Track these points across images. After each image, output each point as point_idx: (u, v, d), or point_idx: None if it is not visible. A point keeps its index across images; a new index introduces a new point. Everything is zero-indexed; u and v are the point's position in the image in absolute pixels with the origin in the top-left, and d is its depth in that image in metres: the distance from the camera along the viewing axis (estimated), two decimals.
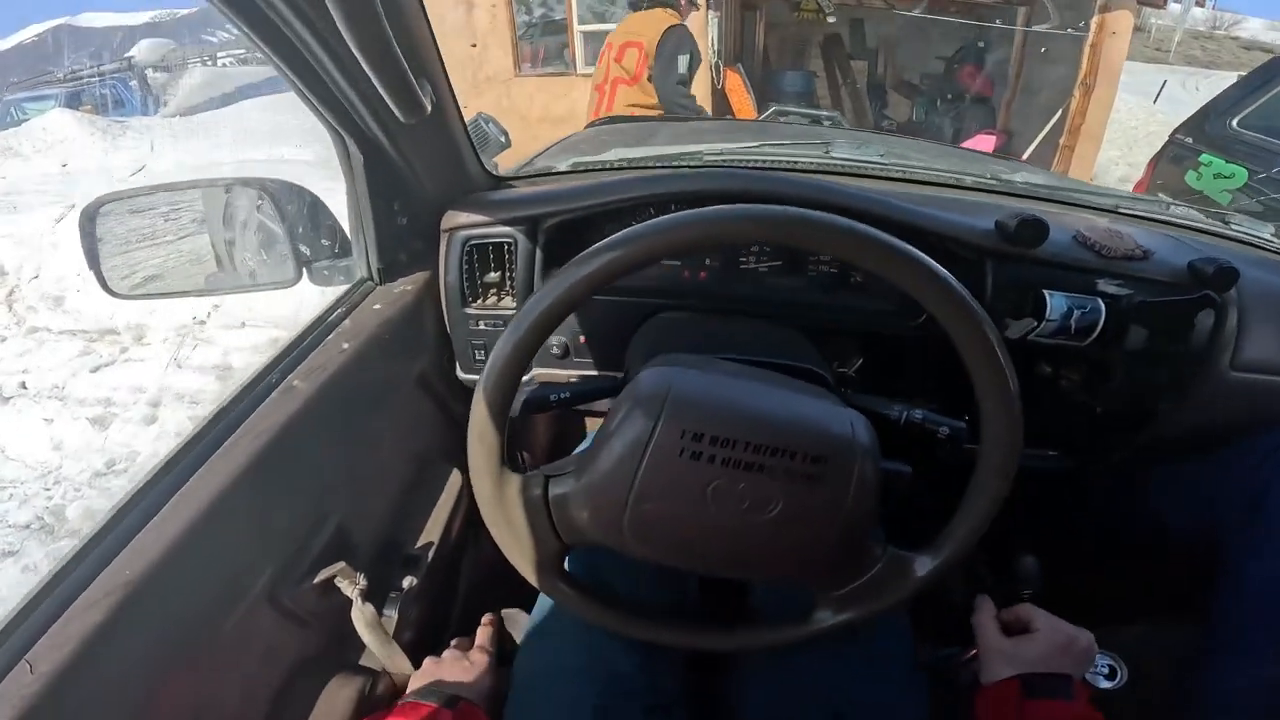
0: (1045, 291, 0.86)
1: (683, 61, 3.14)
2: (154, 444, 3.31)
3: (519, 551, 0.61)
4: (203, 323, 4.00)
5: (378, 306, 0.89)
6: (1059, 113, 4.83)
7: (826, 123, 2.64)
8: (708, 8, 5.14)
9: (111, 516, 0.58)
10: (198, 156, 6.29)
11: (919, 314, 0.92)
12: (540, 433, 1.33)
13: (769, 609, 0.77)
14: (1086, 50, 4.44)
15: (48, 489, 3.19)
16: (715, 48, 5.23)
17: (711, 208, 0.55)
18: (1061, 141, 4.73)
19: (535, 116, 5.80)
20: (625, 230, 0.55)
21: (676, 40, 3.16)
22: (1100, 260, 0.90)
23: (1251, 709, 0.76)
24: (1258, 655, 0.80)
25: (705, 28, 5.17)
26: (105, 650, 0.50)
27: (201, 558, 0.59)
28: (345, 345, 0.81)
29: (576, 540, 0.60)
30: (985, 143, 4.85)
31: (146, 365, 3.81)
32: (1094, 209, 1.16)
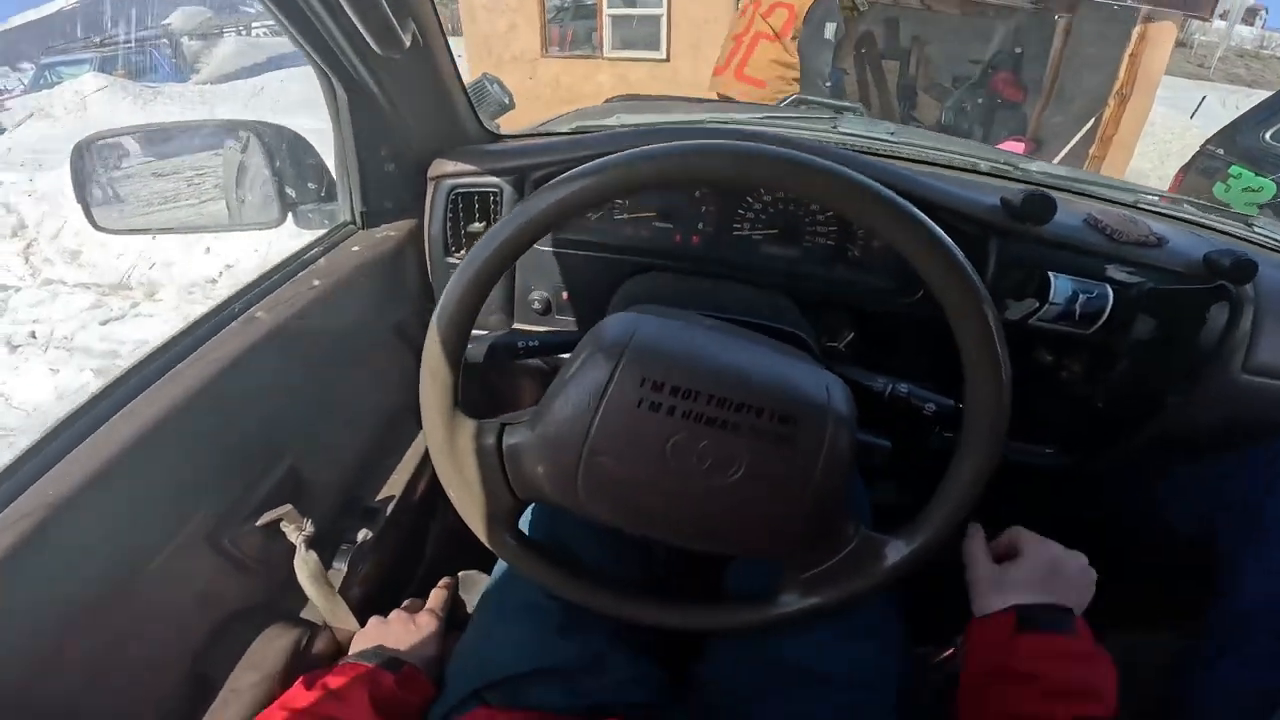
0: (1050, 273, 0.83)
1: (830, 29, 3.35)
2: None
3: (470, 503, 0.57)
4: (214, 281, 4.03)
5: (356, 249, 0.87)
6: (1091, 121, 4.72)
7: (849, 115, 2.59)
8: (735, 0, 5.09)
9: (43, 436, 0.56)
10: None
11: (915, 291, 0.89)
12: (526, 391, 1.30)
13: (734, 589, 0.73)
14: (1125, 60, 4.32)
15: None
16: None
17: (693, 142, 0.50)
18: (1092, 151, 4.63)
19: (558, 98, 5.77)
20: (597, 161, 0.51)
21: (826, 9, 3.36)
22: (1111, 244, 0.86)
23: (1246, 718, 0.73)
24: (1255, 664, 0.76)
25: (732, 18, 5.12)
26: (13, 577, 0.47)
27: (135, 486, 0.57)
28: (316, 282, 0.80)
29: (531, 496, 0.56)
30: (1013, 148, 4.75)
31: (155, 321, 3.85)
32: (1113, 201, 1.11)
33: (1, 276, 4.23)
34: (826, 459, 0.49)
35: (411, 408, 1.04)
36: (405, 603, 0.79)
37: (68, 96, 6.73)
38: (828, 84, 3.47)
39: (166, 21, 12.48)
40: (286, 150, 0.92)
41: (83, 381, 3.43)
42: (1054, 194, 1.10)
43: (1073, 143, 4.83)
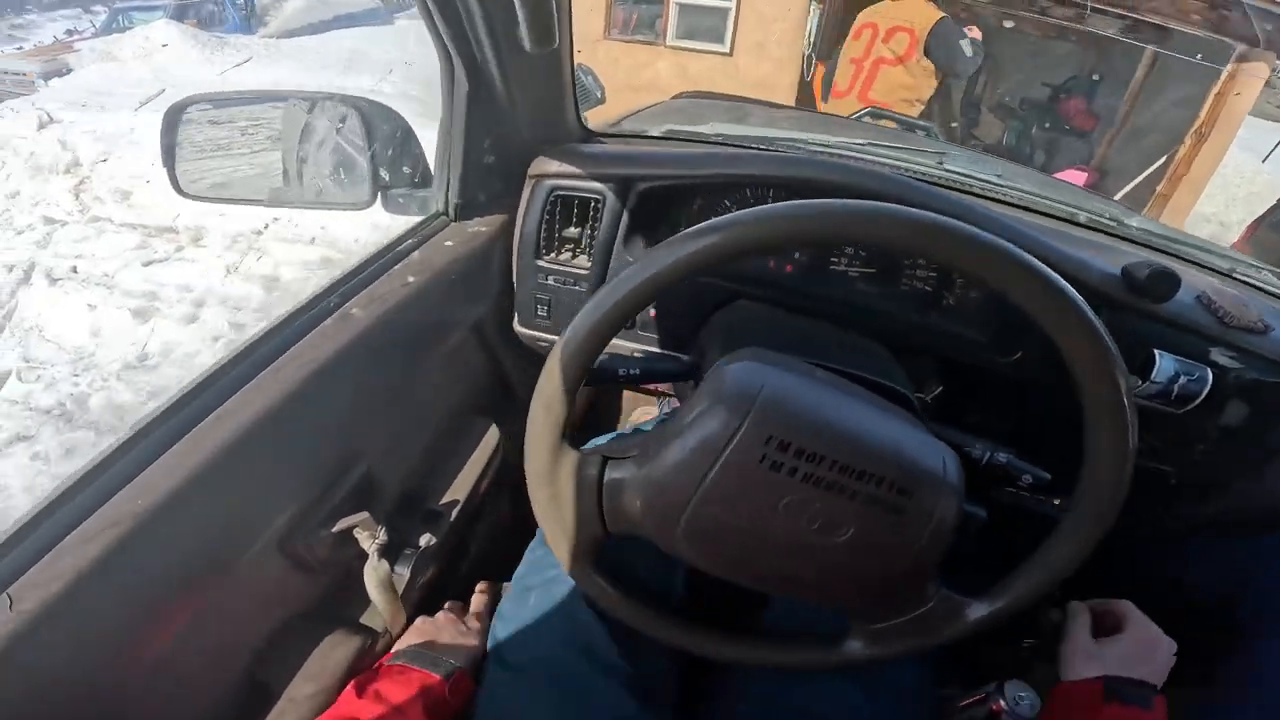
0: (1156, 351, 0.80)
1: (966, 46, 3.43)
2: (190, 342, 3.35)
3: (559, 531, 0.58)
4: (259, 233, 4.04)
5: (450, 243, 0.84)
6: (1163, 159, 4.56)
7: (920, 133, 2.51)
8: (811, 0, 4.97)
9: (134, 434, 0.54)
10: (286, 79, 6.37)
11: (1012, 350, 0.85)
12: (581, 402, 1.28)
13: (782, 623, 0.74)
14: (1210, 98, 4.15)
15: (76, 375, 3.25)
16: (811, 40, 5.07)
17: (855, 201, 0.49)
18: (1159, 189, 4.47)
19: (616, 83, 5.67)
20: (757, 209, 0.49)
21: (950, 28, 3.46)
22: (1220, 328, 0.83)
23: None
24: None
25: (806, 18, 5.01)
26: (102, 583, 0.47)
27: (223, 492, 0.55)
28: (411, 278, 0.77)
29: (622, 530, 0.56)
30: (1076, 178, 4.61)
31: (198, 266, 3.88)
32: (1210, 269, 1.07)
33: (51, 210, 4.28)
34: (933, 530, 0.49)
35: (479, 408, 1.03)
36: (447, 604, 0.79)
37: (137, 41, 6.81)
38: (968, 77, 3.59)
39: None
40: (387, 130, 0.89)
41: (120, 320, 3.46)
42: (1157, 258, 1.06)
43: (1140, 178, 4.66)
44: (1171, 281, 0.78)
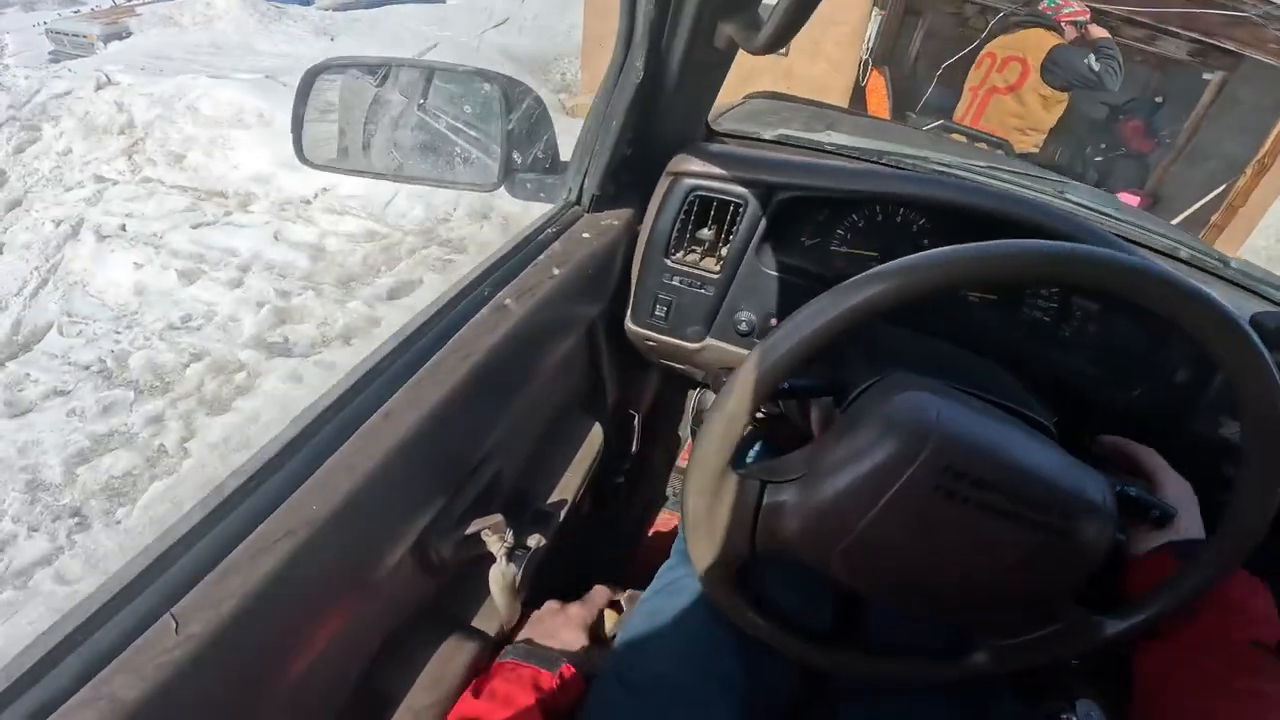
0: None
1: (1083, 65, 3.44)
2: (233, 307, 3.33)
3: (707, 549, 0.58)
4: (308, 203, 4.05)
5: (586, 235, 0.83)
6: (1222, 187, 4.46)
7: (996, 150, 2.48)
8: (874, 5, 4.90)
9: (298, 433, 0.51)
10: (341, 49, 6.37)
11: (1132, 386, 0.85)
12: (647, 387, 1.26)
13: (886, 637, 0.75)
14: (1276, 128, 4.06)
15: (118, 332, 3.24)
16: (869, 45, 5.00)
17: (1082, 247, 0.49)
18: (1214, 219, 4.38)
19: None
20: (981, 246, 0.49)
21: (1067, 52, 3.50)
22: None
23: None
24: None
25: (866, 22, 4.94)
26: (263, 605, 0.43)
27: (385, 495, 0.53)
28: (556, 270, 0.75)
29: (771, 550, 0.56)
30: (1129, 200, 4.53)
31: (245, 231, 3.88)
32: None
33: (102, 170, 4.31)
34: (1091, 556, 0.51)
35: (581, 401, 1.01)
36: (548, 603, 0.78)
37: (198, 7, 6.81)
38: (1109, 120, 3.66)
39: None
40: (523, 110, 0.87)
41: (166, 280, 3.47)
42: (1254, 299, 1.05)
43: (1196, 206, 4.57)
44: None
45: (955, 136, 2.69)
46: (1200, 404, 0.83)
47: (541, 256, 0.76)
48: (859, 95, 5.23)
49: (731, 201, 0.85)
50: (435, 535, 0.64)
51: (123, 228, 3.93)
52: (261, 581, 0.42)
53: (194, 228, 3.94)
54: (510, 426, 0.76)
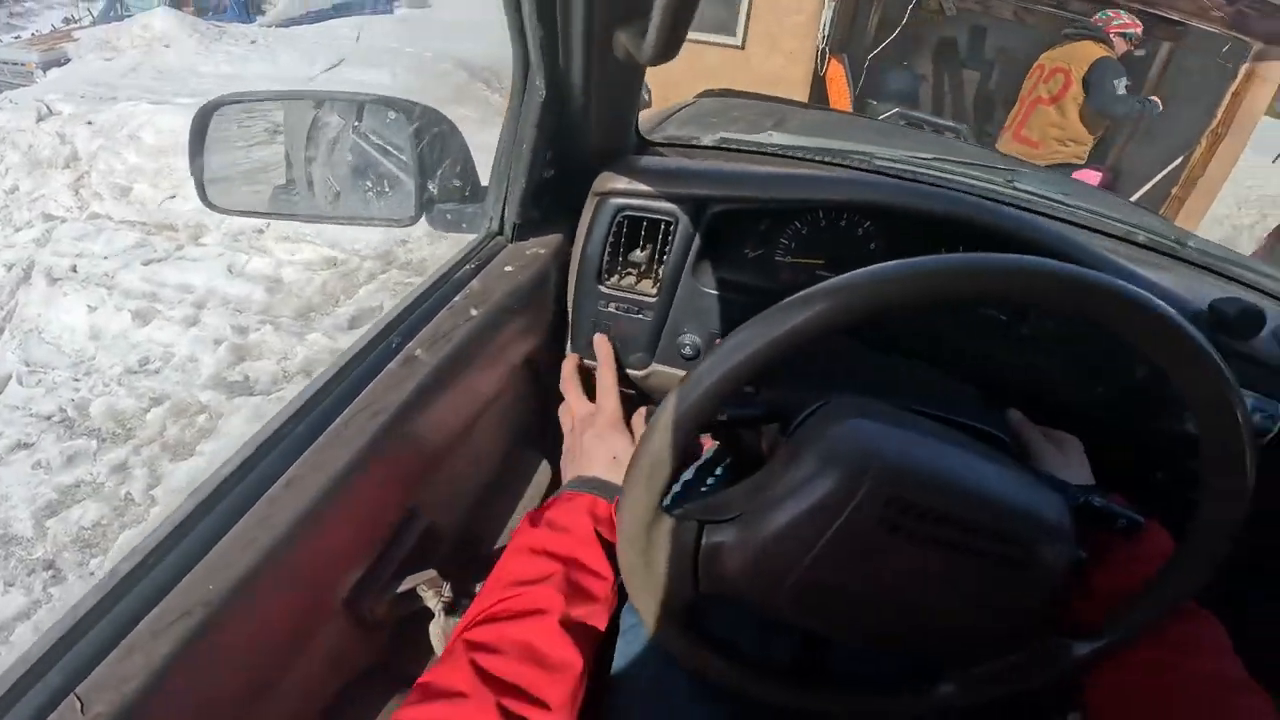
0: None
1: (1118, 85, 3.51)
2: (190, 347, 3.27)
3: (648, 596, 0.54)
4: (261, 231, 3.95)
5: (509, 268, 0.77)
6: (1179, 159, 4.50)
7: (950, 135, 2.46)
8: None
9: (194, 509, 0.49)
10: (285, 69, 6.25)
11: (1094, 386, 0.82)
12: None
13: (844, 670, 0.73)
14: (1227, 98, 4.10)
15: (77, 380, 3.18)
16: (825, 33, 4.99)
17: (1020, 258, 0.45)
18: (1174, 191, 4.42)
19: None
20: (911, 262, 0.45)
21: (1105, 68, 3.55)
22: None
23: None
24: None
25: (820, 12, 4.92)
26: (171, 684, 0.42)
27: (292, 564, 0.50)
28: (474, 311, 0.70)
29: (715, 591, 0.53)
30: (1090, 177, 4.56)
31: (198, 265, 3.78)
32: (1266, 293, 1.06)
33: (49, 207, 4.18)
34: (1049, 581, 0.49)
35: (530, 443, 0.96)
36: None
37: (135, 31, 6.64)
38: (1127, 116, 3.75)
39: None
40: (435, 138, 0.81)
41: (120, 323, 3.38)
42: (1218, 280, 1.03)
43: (1156, 180, 4.61)
44: (1258, 321, 0.78)
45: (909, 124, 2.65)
46: (1165, 399, 0.81)
47: (458, 298, 0.71)
48: (819, 85, 5.22)
49: (661, 220, 0.80)
50: (367, 596, 0.61)
51: (74, 269, 3.83)
52: (164, 661, 0.42)
53: (145, 264, 3.84)
54: (445, 478, 0.72)
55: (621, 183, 0.79)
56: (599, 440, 0.72)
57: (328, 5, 10.24)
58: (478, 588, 0.74)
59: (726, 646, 0.58)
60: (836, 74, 5.06)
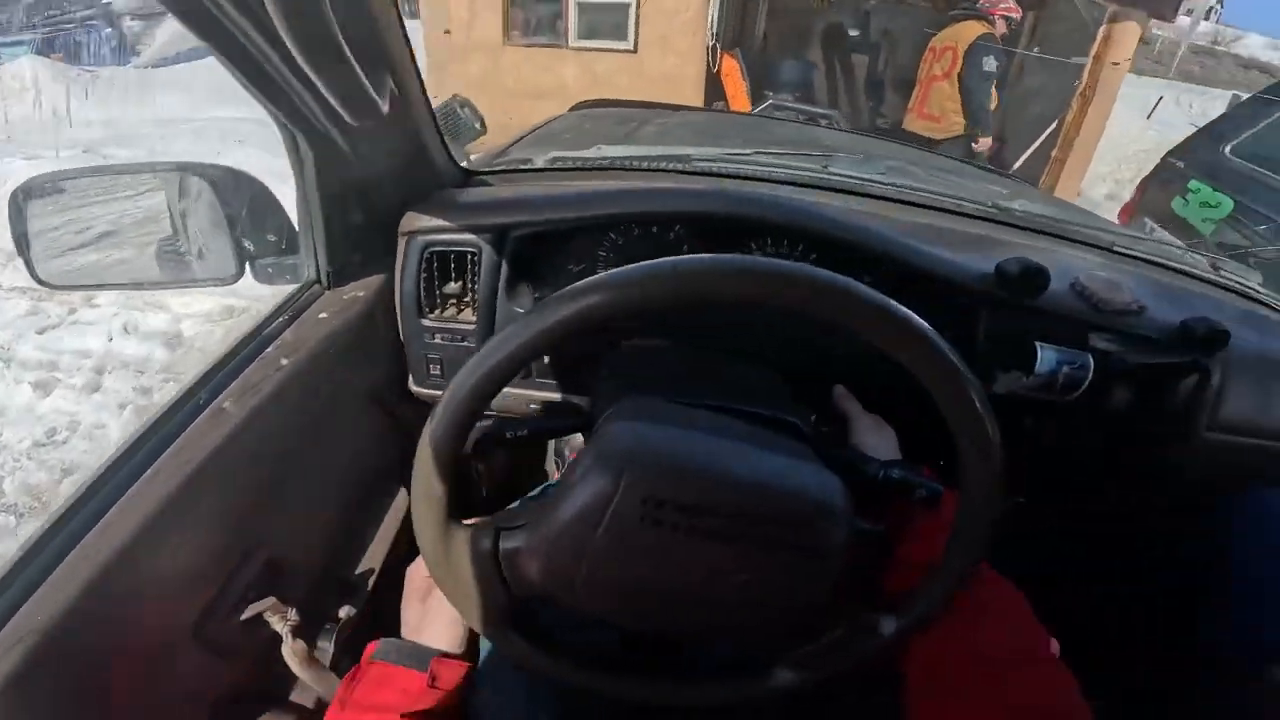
0: (1037, 344, 0.83)
1: (988, 63, 3.75)
2: (95, 414, 3.19)
3: (467, 604, 0.57)
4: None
5: (324, 315, 0.81)
6: (1055, 123, 4.78)
7: (824, 122, 2.58)
8: None
9: (20, 556, 0.53)
10: (162, 111, 6.04)
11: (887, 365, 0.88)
12: (498, 455, 1.27)
13: (712, 660, 0.73)
14: (1089, 59, 4.38)
15: None
16: (714, 31, 5.11)
17: (707, 256, 0.49)
18: (1054, 154, 4.69)
19: (522, 90, 5.59)
20: (612, 273, 0.49)
21: (983, 47, 3.78)
22: (1095, 313, 0.87)
23: None
24: (1223, 708, 0.81)
25: (707, 8, 5.04)
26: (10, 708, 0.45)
27: (121, 598, 0.55)
28: (284, 361, 0.74)
29: (527, 593, 0.56)
30: (979, 146, 4.79)
31: (94, 329, 3.65)
32: (1091, 245, 1.14)
33: None
34: (827, 557, 0.50)
35: (389, 472, 1.00)
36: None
37: (5, 81, 6.31)
38: (983, 110, 3.93)
39: (106, 1, 11.82)
40: (242, 197, 0.85)
41: (22, 396, 3.25)
42: (1039, 241, 1.10)
43: (1036, 144, 4.88)
44: (1042, 276, 0.81)
45: (785, 116, 2.76)
46: (970, 364, 0.86)
47: (269, 349, 0.75)
48: (715, 82, 5.35)
49: (466, 251, 0.85)
50: (213, 623, 0.65)
51: None
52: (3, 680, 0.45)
53: (40, 333, 3.69)
54: (288, 513, 0.76)
55: (424, 221, 0.84)
56: (404, 608, 0.72)
57: (203, 44, 9.89)
58: (342, 612, 0.79)
59: (551, 642, 0.61)
60: (731, 69, 5.20)
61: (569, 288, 0.48)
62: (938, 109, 4.00)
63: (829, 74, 5.99)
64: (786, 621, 0.55)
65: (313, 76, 0.52)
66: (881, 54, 5.88)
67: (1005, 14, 4.04)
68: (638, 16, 5.23)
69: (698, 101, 5.27)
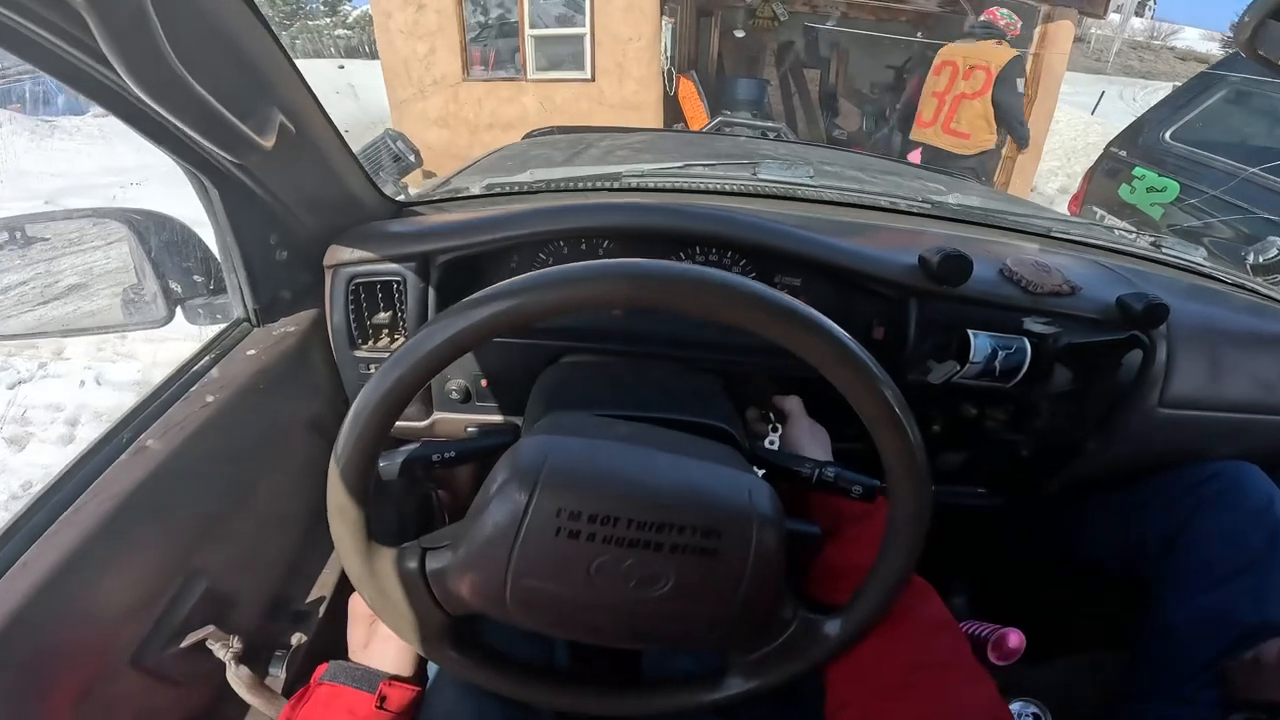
0: (970, 332, 0.83)
1: (1020, 83, 3.94)
2: None
3: (402, 624, 0.57)
4: (123, 337, 3.81)
5: (252, 352, 0.81)
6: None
7: (771, 135, 2.64)
8: (662, 13, 5.12)
9: None
10: (123, 158, 6.01)
11: None
12: (462, 481, 1.26)
13: (668, 669, 0.74)
14: (1029, 61, 4.52)
15: None
16: (668, 54, 5.21)
17: (580, 264, 0.49)
18: (1005, 152, 4.82)
19: (483, 122, 5.67)
20: (501, 284, 0.48)
21: (1019, 68, 3.94)
22: (1027, 297, 0.87)
23: None
24: (1178, 689, 0.79)
25: (659, 34, 5.14)
26: None
27: (46, 630, 0.54)
28: (210, 398, 0.74)
29: (461, 611, 0.56)
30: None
31: (65, 381, 3.61)
32: (1027, 233, 1.15)
33: None
34: (755, 561, 0.49)
35: None
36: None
37: None
38: (1021, 124, 4.06)
39: None
40: (165, 240, 0.85)
41: None
42: (974, 232, 1.13)
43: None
44: (963, 263, 0.81)
45: (733, 132, 2.82)
46: (904, 359, 0.87)
47: (194, 388, 0.75)
48: (674, 105, 5.44)
49: (391, 280, 0.86)
50: (151, 650, 0.64)
51: None
52: None
53: (10, 388, 3.65)
54: (229, 543, 0.75)
55: (345, 253, 0.85)
56: (350, 630, 0.72)
57: None
58: (294, 639, 0.78)
59: (496, 657, 0.61)
60: (688, 91, 5.30)
61: (462, 300, 0.49)
62: (968, 126, 4.07)
63: (783, 90, 6.12)
64: (726, 630, 0.53)
65: (174, 119, 0.52)
66: (833, 67, 6.02)
67: (1013, 36, 4.13)
68: (593, 46, 5.33)
69: (658, 124, 5.37)
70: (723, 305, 0.48)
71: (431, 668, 0.72)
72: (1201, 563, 0.84)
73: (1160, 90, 6.55)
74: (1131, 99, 8.78)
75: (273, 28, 0.63)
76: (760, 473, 0.67)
